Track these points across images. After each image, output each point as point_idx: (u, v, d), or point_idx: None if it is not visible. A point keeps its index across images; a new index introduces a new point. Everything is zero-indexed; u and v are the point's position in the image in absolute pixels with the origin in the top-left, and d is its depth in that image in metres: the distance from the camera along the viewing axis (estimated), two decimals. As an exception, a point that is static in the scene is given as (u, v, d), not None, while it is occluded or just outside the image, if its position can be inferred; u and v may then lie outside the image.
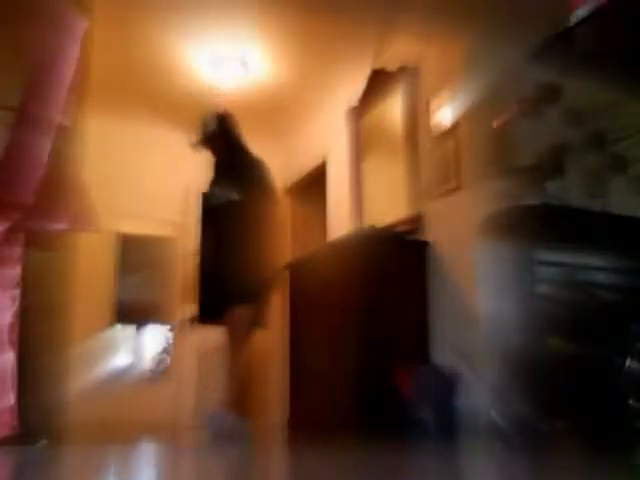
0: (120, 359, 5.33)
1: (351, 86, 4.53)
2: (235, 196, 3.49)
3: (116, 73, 4.44)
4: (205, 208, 3.58)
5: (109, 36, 3.86)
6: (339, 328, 3.36)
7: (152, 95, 4.86)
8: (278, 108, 5.05)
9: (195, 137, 3.62)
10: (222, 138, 3.62)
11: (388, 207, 4.01)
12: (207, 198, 3.59)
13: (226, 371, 3.41)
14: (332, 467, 2.20)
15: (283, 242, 3.77)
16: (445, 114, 3.56)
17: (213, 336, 4.36)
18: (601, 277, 2.94)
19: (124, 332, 5.37)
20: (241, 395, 3.42)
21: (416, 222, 3.66)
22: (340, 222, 4.64)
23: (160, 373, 5.44)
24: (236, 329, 3.43)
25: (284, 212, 3.94)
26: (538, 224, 2.78)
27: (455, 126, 3.46)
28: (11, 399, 1.55)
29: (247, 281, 3.43)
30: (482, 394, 2.92)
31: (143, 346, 5.56)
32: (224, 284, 3.41)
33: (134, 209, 5.20)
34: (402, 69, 3.97)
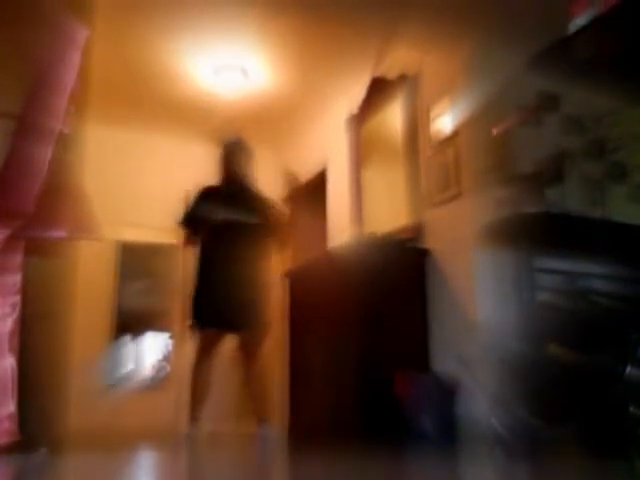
0: (120, 366, 5.34)
1: (351, 94, 4.54)
2: (253, 219, 3.55)
3: (117, 81, 4.46)
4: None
5: (110, 44, 3.89)
6: (339, 336, 3.36)
7: (153, 103, 4.88)
8: (278, 116, 5.06)
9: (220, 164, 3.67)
10: (242, 164, 3.67)
11: (388, 215, 4.01)
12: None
13: (262, 389, 3.51)
14: (331, 473, 2.20)
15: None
16: (445, 122, 3.57)
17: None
18: (601, 284, 2.94)
19: (125, 340, 5.38)
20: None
21: (416, 230, 3.66)
22: (340, 230, 4.64)
23: (160, 380, 5.43)
24: (258, 354, 3.53)
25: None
26: (538, 232, 2.78)
27: (455, 134, 3.47)
28: (11, 406, 1.55)
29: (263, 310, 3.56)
30: (482, 401, 2.92)
31: (143, 353, 5.55)
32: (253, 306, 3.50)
33: (134, 217, 5.20)
34: (402, 77, 3.99)
